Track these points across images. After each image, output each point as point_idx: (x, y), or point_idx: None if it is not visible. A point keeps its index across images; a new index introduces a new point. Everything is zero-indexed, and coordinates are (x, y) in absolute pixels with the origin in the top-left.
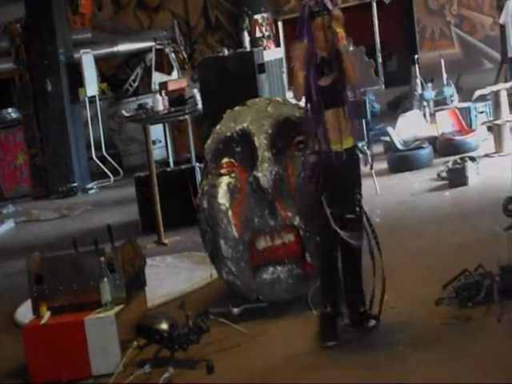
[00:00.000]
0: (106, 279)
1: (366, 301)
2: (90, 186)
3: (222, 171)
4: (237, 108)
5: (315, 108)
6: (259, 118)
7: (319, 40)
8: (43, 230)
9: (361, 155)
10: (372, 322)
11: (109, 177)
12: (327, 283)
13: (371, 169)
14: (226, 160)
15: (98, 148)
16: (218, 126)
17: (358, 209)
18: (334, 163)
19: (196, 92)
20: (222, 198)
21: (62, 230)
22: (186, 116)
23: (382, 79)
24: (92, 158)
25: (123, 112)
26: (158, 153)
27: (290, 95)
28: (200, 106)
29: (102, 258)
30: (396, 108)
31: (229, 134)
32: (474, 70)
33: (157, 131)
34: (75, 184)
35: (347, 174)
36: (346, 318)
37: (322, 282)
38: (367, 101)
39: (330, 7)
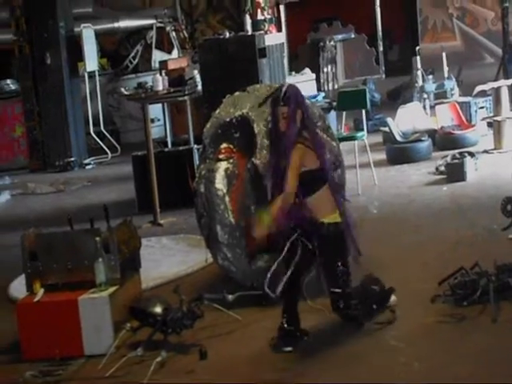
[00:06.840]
0: (100, 259)
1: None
2: (87, 161)
3: (221, 156)
4: (237, 93)
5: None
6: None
7: None
8: (39, 204)
9: None
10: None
11: (106, 153)
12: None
13: None
14: (224, 145)
15: (96, 124)
16: (217, 111)
17: (341, 282)
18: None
19: (196, 73)
20: (220, 183)
21: (57, 204)
22: (186, 97)
23: (383, 68)
24: (90, 134)
25: (122, 90)
26: (156, 131)
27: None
28: (200, 87)
29: (98, 238)
30: (396, 98)
31: (228, 120)
32: (475, 63)
33: (155, 109)
34: (72, 159)
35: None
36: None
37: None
38: (367, 90)
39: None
